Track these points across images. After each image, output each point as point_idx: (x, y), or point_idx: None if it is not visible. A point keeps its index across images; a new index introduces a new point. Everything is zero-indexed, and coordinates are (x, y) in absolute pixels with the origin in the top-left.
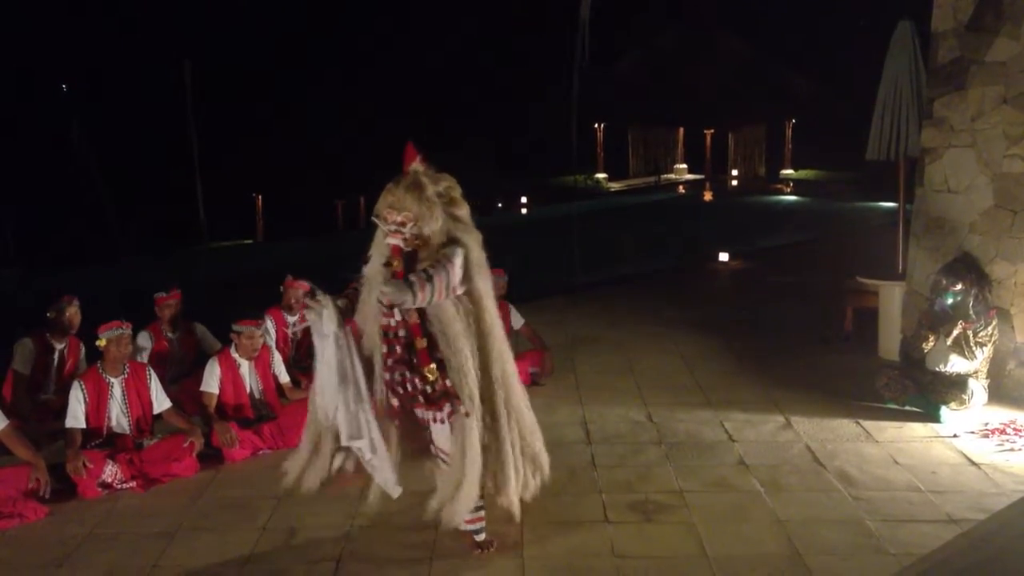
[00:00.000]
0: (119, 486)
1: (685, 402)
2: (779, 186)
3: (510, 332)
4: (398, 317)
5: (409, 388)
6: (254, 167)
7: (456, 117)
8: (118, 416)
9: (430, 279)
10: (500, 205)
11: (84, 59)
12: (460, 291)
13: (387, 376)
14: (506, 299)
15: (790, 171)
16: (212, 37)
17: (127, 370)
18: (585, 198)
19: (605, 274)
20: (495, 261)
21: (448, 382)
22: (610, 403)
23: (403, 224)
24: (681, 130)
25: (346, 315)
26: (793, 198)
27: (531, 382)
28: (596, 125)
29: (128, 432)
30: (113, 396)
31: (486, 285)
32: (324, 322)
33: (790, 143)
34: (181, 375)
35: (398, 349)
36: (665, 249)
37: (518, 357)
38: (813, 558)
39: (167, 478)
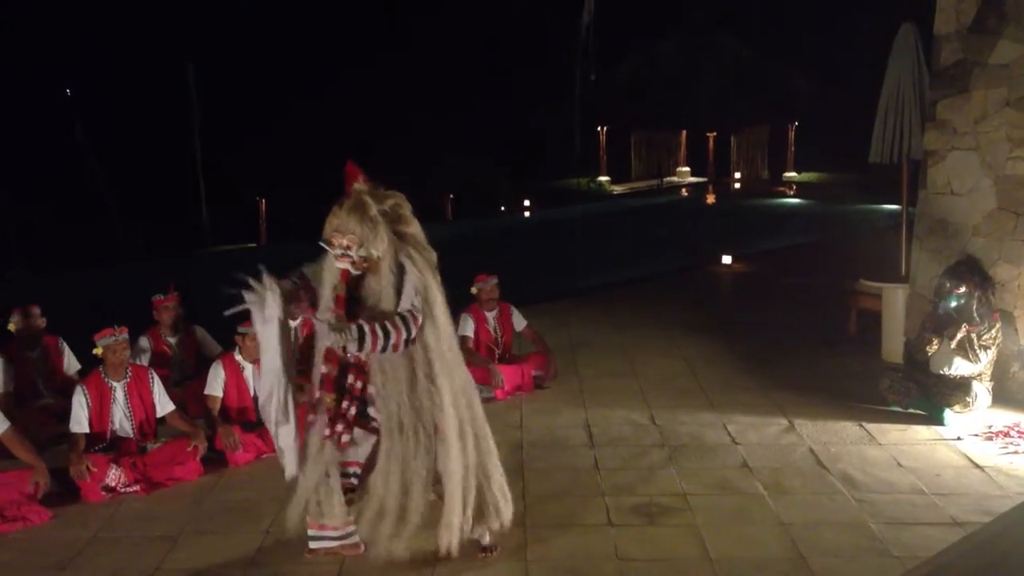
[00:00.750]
0: (122, 490)
1: (688, 405)
2: (782, 188)
3: (512, 334)
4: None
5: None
6: (257, 170)
7: (458, 119)
8: (121, 420)
9: (386, 333)
10: (503, 208)
11: (87, 61)
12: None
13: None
14: (506, 301)
15: (793, 174)
16: (215, 39)
17: (129, 374)
18: (588, 201)
19: (608, 277)
20: (494, 265)
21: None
22: (613, 406)
23: (349, 247)
24: (684, 133)
25: (292, 299)
26: (796, 201)
27: (534, 386)
28: (599, 128)
29: (131, 436)
30: (116, 400)
31: (440, 316)
32: (268, 305)
33: (793, 146)
34: (184, 378)
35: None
36: (668, 252)
37: (521, 360)
38: (816, 561)
39: (170, 481)
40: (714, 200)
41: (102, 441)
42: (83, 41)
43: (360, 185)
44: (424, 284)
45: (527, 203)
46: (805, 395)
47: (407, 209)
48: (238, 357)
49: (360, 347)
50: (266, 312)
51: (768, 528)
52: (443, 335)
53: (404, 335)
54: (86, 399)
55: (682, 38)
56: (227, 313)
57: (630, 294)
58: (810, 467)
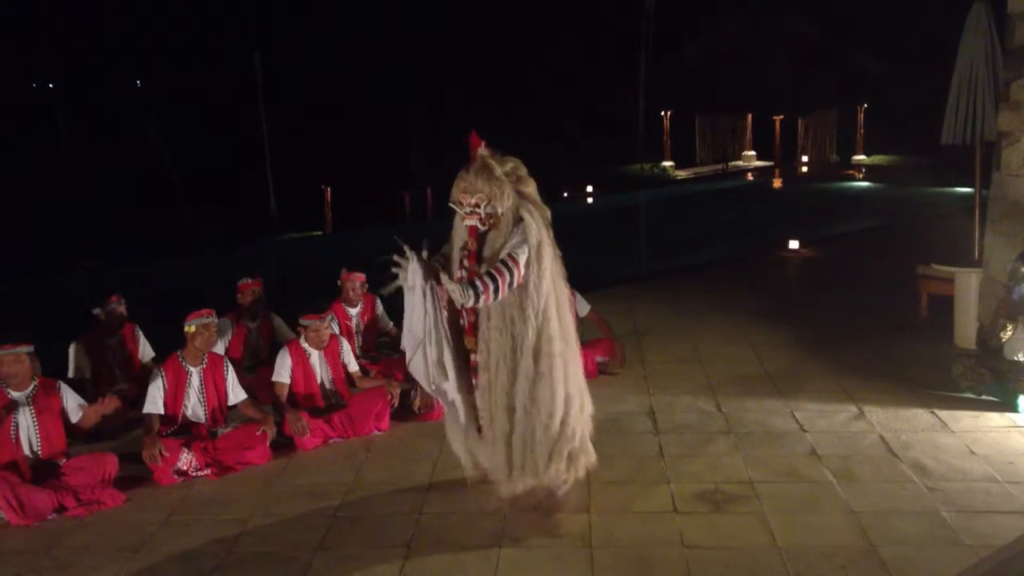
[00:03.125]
0: (194, 474)
1: (755, 392)
2: (851, 172)
3: (576, 320)
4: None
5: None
6: (323, 158)
7: (523, 103)
8: (195, 405)
9: (495, 279)
10: (566, 194)
11: (156, 54)
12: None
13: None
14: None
15: (862, 157)
16: (281, 27)
17: (206, 360)
18: (651, 186)
19: (672, 263)
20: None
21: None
22: (678, 392)
23: (477, 205)
24: (749, 116)
25: (432, 271)
26: (865, 184)
27: (599, 372)
28: (663, 113)
29: (203, 421)
30: (191, 385)
31: (550, 265)
32: (410, 275)
33: (862, 128)
34: (255, 364)
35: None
36: (733, 237)
37: (585, 345)
38: (887, 549)
39: (240, 466)
40: (781, 184)
41: (173, 424)
42: (151, 33)
43: (483, 150)
44: (539, 238)
45: (590, 189)
46: (875, 381)
47: (524, 170)
48: (304, 344)
49: (477, 300)
50: (409, 281)
51: (837, 517)
52: (545, 280)
53: (508, 278)
54: (163, 381)
55: (748, 19)
56: (383, 291)
57: (695, 280)
58: (880, 455)
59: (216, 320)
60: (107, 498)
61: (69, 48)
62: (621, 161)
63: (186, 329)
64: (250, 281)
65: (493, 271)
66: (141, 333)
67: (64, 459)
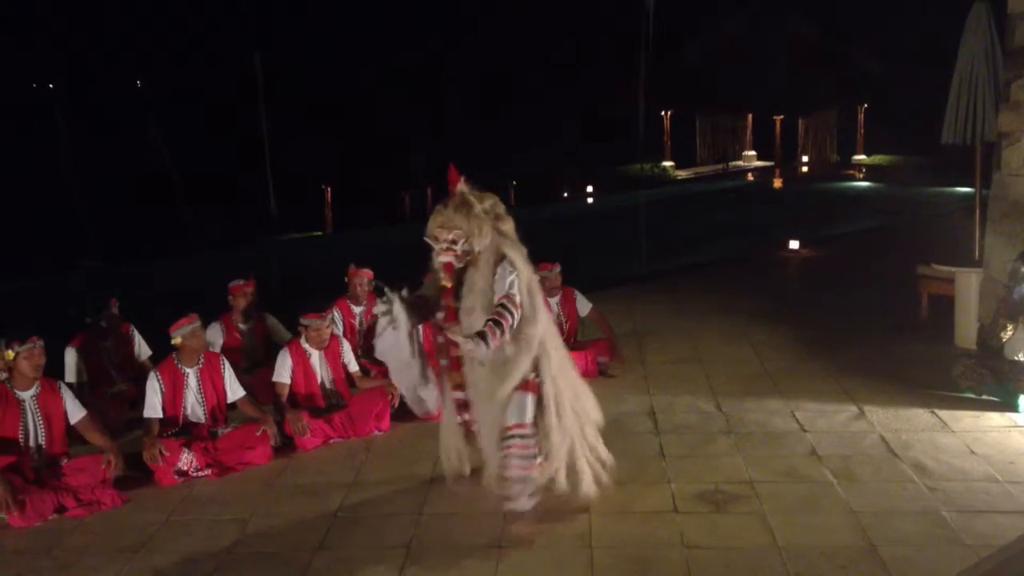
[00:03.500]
0: (194, 474)
1: (755, 392)
2: (851, 172)
3: (577, 320)
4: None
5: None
6: (323, 158)
7: (523, 103)
8: (193, 405)
9: (498, 325)
10: (566, 194)
11: (156, 54)
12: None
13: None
14: (570, 286)
15: (862, 156)
16: (281, 27)
17: (202, 360)
18: (652, 186)
19: (672, 263)
20: (557, 252)
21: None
22: (678, 393)
23: (454, 242)
24: (750, 116)
25: (417, 311)
26: (866, 184)
27: (598, 372)
28: (663, 113)
29: (203, 421)
30: (188, 386)
31: (535, 300)
32: (396, 314)
33: (862, 128)
34: (253, 365)
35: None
36: (734, 237)
37: (586, 346)
38: (887, 549)
39: (241, 466)
40: (781, 184)
41: (174, 426)
42: (151, 33)
43: (463, 186)
44: (529, 276)
45: (590, 189)
46: (875, 381)
47: (502, 208)
48: (304, 344)
49: (488, 347)
50: (396, 319)
51: (837, 517)
52: (541, 317)
53: (510, 320)
54: (159, 385)
55: (748, 19)
56: (359, 321)
57: (695, 280)
58: (881, 455)
59: (198, 324)
60: (107, 498)
61: (69, 48)
62: (621, 161)
63: (173, 342)
64: (242, 283)
65: (496, 316)
66: (136, 332)
67: (65, 459)
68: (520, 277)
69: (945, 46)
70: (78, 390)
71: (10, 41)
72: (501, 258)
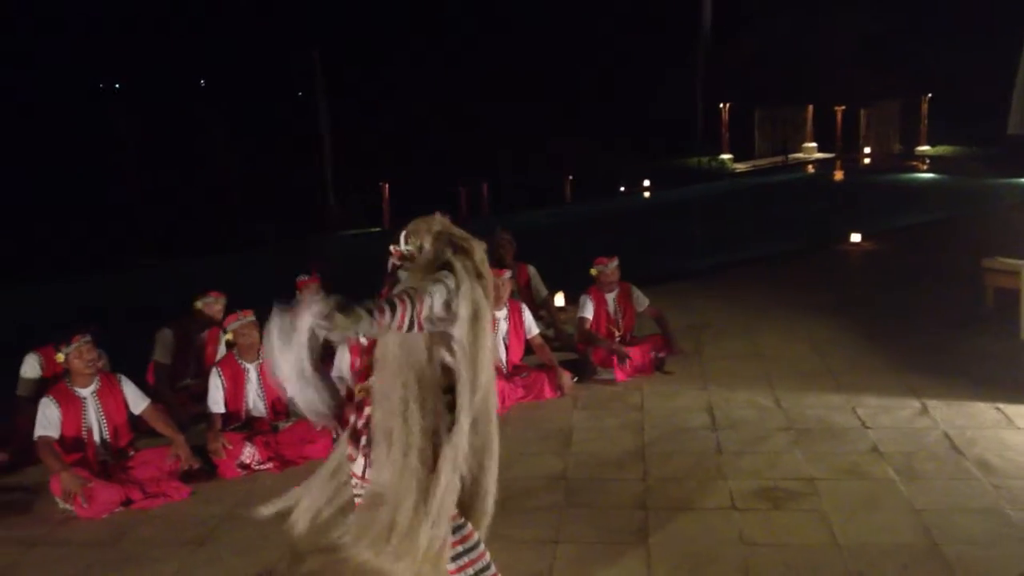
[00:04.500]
0: (256, 467)
1: (815, 387)
2: (914, 163)
3: (633, 315)
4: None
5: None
6: (380, 155)
7: (577, 99)
8: (255, 400)
9: (392, 307)
10: (623, 189)
11: (218, 55)
12: (432, 327)
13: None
14: (627, 281)
15: (926, 148)
16: (339, 24)
17: (262, 356)
18: (710, 180)
19: (731, 257)
20: (614, 247)
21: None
22: (736, 388)
23: (405, 242)
24: (810, 108)
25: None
26: (929, 175)
27: (655, 367)
28: (721, 105)
29: (265, 415)
30: (249, 380)
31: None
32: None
33: (926, 119)
34: (319, 357)
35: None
36: (793, 230)
37: (642, 341)
38: (951, 548)
39: (302, 460)
40: (842, 176)
41: (237, 420)
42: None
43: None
44: (475, 297)
45: (647, 183)
46: (939, 377)
47: (480, 253)
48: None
49: (369, 325)
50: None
51: (900, 514)
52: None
53: (408, 311)
54: (221, 380)
55: (808, 8)
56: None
57: (754, 274)
58: (944, 451)
59: (250, 319)
60: (172, 491)
61: (131, 49)
62: (679, 155)
63: (225, 338)
64: (306, 277)
65: (395, 298)
66: (222, 336)
67: (131, 452)
68: (453, 286)
69: (1012, 34)
70: (157, 371)
71: (77, 42)
72: (444, 264)
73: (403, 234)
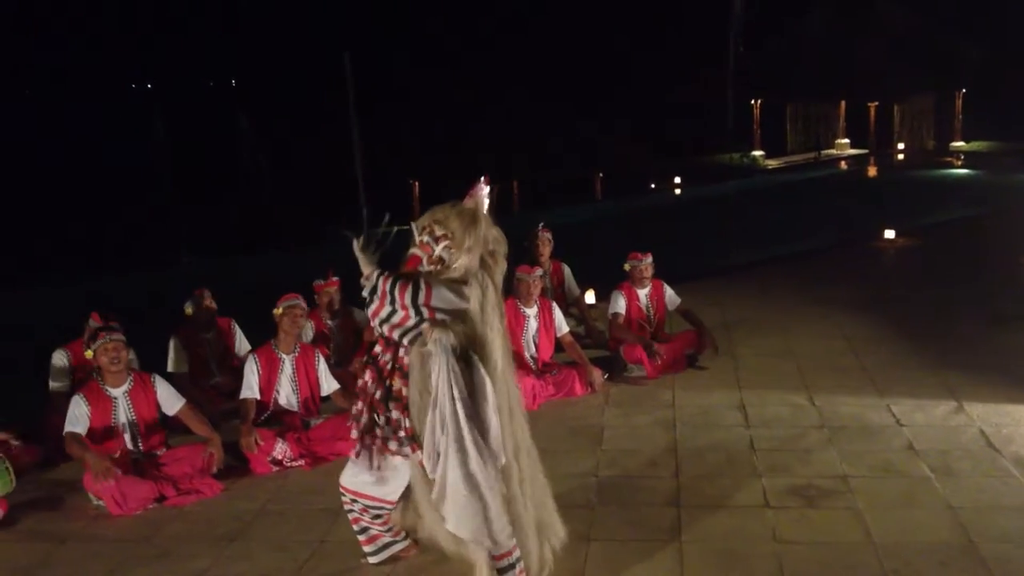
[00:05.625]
0: (288, 463)
1: (849, 385)
2: (949, 159)
3: (665, 312)
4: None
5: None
6: (410, 153)
7: (606, 95)
8: (287, 393)
9: (393, 283)
10: (653, 186)
11: (247, 55)
12: (414, 321)
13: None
14: (659, 279)
15: (961, 143)
16: (367, 26)
17: (298, 349)
18: (741, 177)
19: (763, 254)
20: (645, 244)
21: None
22: (769, 386)
23: (437, 241)
24: (843, 103)
25: None
26: (964, 171)
27: (687, 364)
28: (752, 101)
29: (296, 410)
30: (284, 372)
31: (500, 357)
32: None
33: (960, 114)
34: (343, 360)
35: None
36: (826, 227)
37: (673, 338)
38: (988, 546)
39: (333, 456)
40: (876, 172)
41: (265, 411)
42: (245, 33)
43: (484, 200)
44: (489, 318)
45: (678, 180)
46: (975, 375)
47: (505, 250)
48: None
49: (373, 289)
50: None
51: (936, 512)
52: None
53: (408, 293)
54: (256, 366)
55: (841, 3)
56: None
57: (787, 271)
58: (981, 449)
59: (302, 306)
60: (205, 487)
61: (165, 49)
62: (710, 151)
63: (274, 311)
64: (323, 282)
65: (403, 273)
66: (238, 327)
67: (163, 449)
68: (467, 304)
69: None
70: (179, 380)
71: (112, 44)
72: (463, 282)
73: (437, 226)
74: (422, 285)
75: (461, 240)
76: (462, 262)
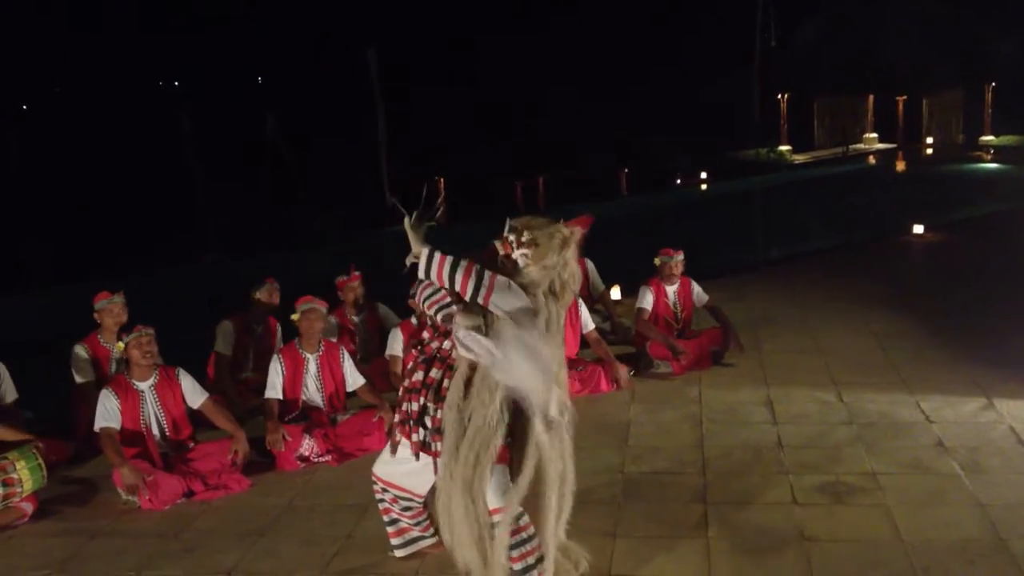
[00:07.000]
0: (315, 459)
1: (877, 382)
2: (978, 154)
3: (692, 309)
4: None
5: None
6: (435, 149)
7: (631, 90)
8: (313, 391)
9: (455, 262)
10: (679, 181)
11: (273, 52)
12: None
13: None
14: (687, 275)
15: (990, 137)
16: (392, 20)
17: (322, 347)
18: (768, 172)
19: (790, 249)
20: (670, 240)
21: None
22: (797, 383)
23: (519, 247)
24: (871, 98)
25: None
26: (994, 166)
27: (713, 361)
28: (779, 96)
29: (322, 407)
30: (308, 371)
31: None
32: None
33: (990, 108)
34: (368, 355)
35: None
36: (854, 222)
37: (700, 334)
38: (1018, 544)
39: (360, 452)
40: (904, 167)
41: (294, 409)
42: (271, 31)
43: (577, 233)
44: (539, 306)
45: (704, 176)
46: (1005, 371)
47: (574, 287)
48: (414, 321)
49: (428, 267)
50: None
51: (965, 509)
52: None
53: (484, 281)
54: (281, 367)
55: None
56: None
57: (814, 267)
58: (1011, 446)
59: (319, 307)
60: (233, 483)
61: (193, 48)
62: (736, 146)
63: (292, 316)
64: (345, 278)
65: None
66: (280, 330)
67: (192, 444)
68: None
69: None
70: (219, 361)
71: (137, 43)
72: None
73: (527, 232)
74: (486, 277)
75: (543, 254)
76: (533, 275)
